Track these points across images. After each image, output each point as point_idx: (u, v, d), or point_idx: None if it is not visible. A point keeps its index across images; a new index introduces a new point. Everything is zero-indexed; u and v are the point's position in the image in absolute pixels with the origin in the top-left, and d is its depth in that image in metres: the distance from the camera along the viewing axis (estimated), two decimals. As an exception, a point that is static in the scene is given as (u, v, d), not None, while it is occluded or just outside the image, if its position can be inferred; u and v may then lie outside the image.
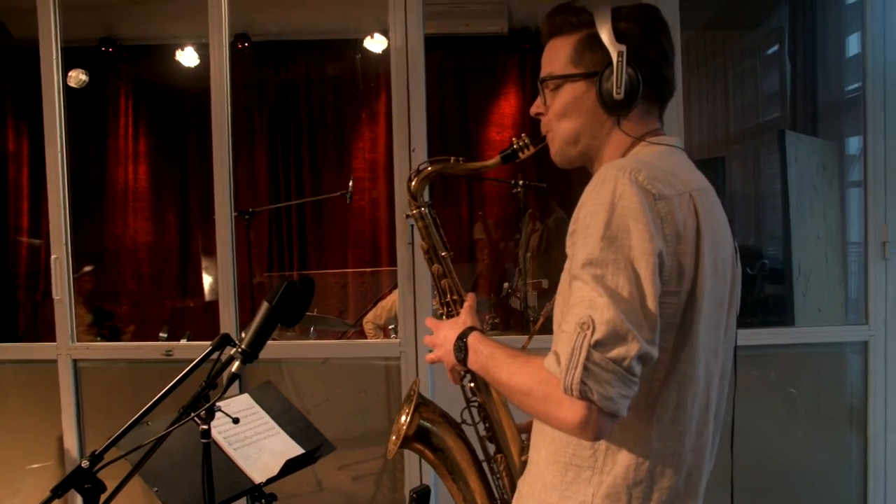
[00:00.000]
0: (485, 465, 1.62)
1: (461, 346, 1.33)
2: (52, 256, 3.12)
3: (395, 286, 3.37)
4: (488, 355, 1.27)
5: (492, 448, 1.59)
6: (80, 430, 3.12)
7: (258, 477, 2.14)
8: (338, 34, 5.12)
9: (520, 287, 4.18)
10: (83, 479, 1.51)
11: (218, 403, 2.24)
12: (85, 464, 1.51)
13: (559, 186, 4.09)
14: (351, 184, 4.07)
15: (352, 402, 3.15)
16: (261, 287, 5.06)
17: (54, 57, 3.14)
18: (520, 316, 4.17)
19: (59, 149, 3.15)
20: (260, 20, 5.10)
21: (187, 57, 4.93)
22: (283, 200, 5.41)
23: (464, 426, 1.60)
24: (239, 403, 2.37)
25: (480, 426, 1.59)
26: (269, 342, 3.20)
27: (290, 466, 2.20)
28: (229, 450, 2.17)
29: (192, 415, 1.61)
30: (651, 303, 1.08)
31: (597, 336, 1.04)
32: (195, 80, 4.41)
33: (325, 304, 4.87)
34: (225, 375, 1.53)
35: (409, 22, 2.97)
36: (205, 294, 5.08)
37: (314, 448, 2.29)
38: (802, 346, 3.01)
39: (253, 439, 2.27)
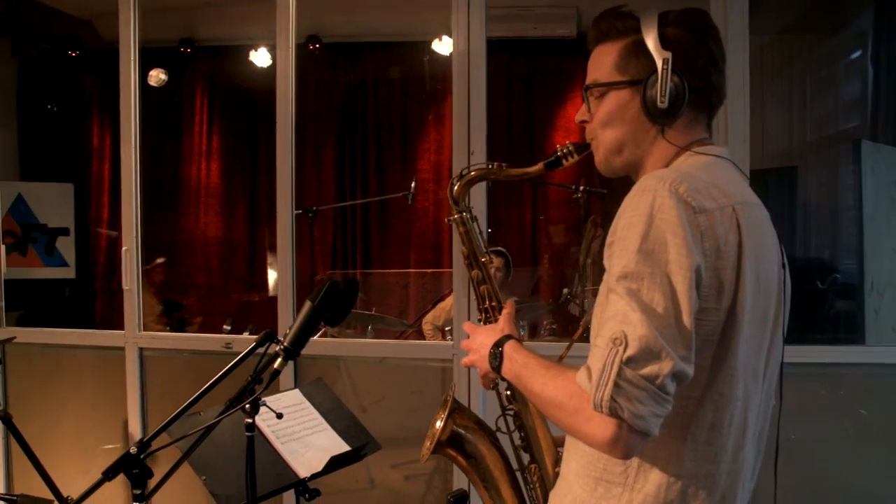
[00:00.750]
0: (518, 474, 1.60)
1: (496, 354, 1.31)
2: (123, 248, 3.25)
3: (456, 288, 3.38)
4: (522, 364, 1.25)
5: (526, 458, 1.58)
6: (143, 415, 3.25)
7: (303, 472, 2.18)
8: (407, 36, 5.17)
9: (579, 293, 4.13)
10: (131, 464, 1.57)
11: (266, 398, 2.31)
12: (133, 450, 1.57)
13: (621, 192, 4.01)
14: (413, 185, 4.10)
15: (407, 401, 3.17)
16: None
17: (132, 58, 3.26)
18: (578, 322, 4.12)
19: (133, 146, 3.27)
20: (331, 22, 5.20)
21: (260, 57, 5.07)
22: (349, 199, 5.50)
23: (499, 434, 1.59)
24: (289, 398, 2.42)
25: (515, 435, 1.57)
26: (328, 340, 3.27)
27: (335, 463, 2.23)
28: (277, 444, 2.22)
29: (237, 407, 1.65)
30: (687, 319, 1.05)
31: (629, 352, 1.02)
32: (267, 80, 4.52)
33: (385, 304, 4.94)
34: (268, 371, 1.56)
35: (471, 25, 2.97)
36: (269, 289, 5.21)
37: (360, 446, 2.31)
38: (873, 366, 2.86)
39: (300, 434, 2.31)
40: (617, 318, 1.05)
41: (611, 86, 1.28)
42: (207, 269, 5.64)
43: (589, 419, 1.06)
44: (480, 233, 1.63)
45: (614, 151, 1.31)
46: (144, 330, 3.28)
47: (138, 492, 1.57)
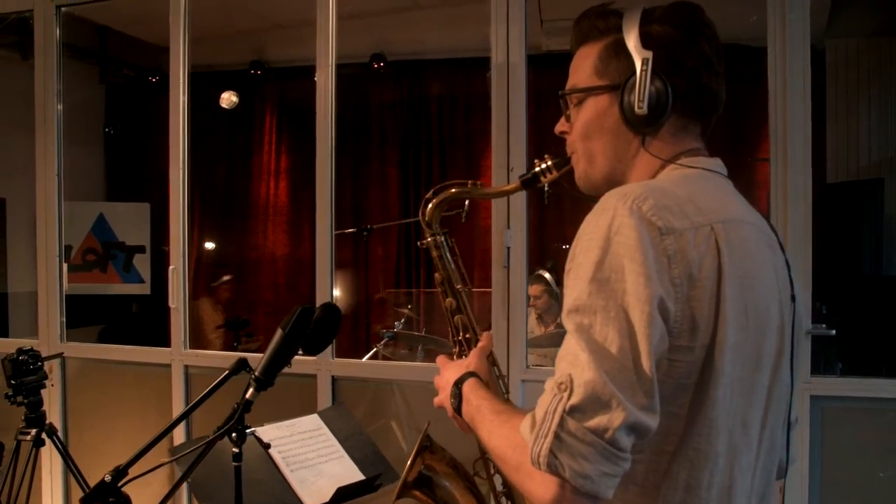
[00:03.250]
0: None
1: (455, 394, 1.19)
2: (170, 267, 3.30)
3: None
4: (476, 408, 1.12)
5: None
6: (188, 433, 3.27)
7: (310, 502, 2.10)
8: (469, 52, 5.10)
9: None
10: (106, 492, 1.53)
11: (282, 423, 2.25)
12: (108, 478, 1.53)
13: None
14: (467, 203, 4.00)
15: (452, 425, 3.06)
16: (381, 302, 5.13)
17: (181, 83, 3.32)
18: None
19: (181, 168, 3.34)
20: (394, 39, 5.21)
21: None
22: (413, 217, 5.46)
23: (477, 479, 1.46)
24: (307, 424, 2.36)
25: (497, 479, 1.43)
26: (382, 363, 3.20)
27: (345, 493, 2.15)
28: (286, 470, 2.16)
29: (221, 435, 1.59)
30: (646, 361, 0.89)
31: (573, 400, 0.87)
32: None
33: (443, 323, 4.84)
34: (241, 402, 1.49)
35: (510, 37, 2.86)
36: (330, 307, 5.22)
37: (374, 476, 2.22)
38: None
39: (314, 461, 2.24)
40: (567, 358, 0.92)
41: (588, 91, 1.14)
42: (275, 286, 5.73)
43: (530, 475, 0.92)
44: (456, 257, 1.50)
45: (593, 165, 1.16)
46: (207, 342, 3.31)
47: (114, 521, 1.52)
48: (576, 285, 0.94)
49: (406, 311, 4.67)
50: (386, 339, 4.01)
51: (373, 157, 5.59)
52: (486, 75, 5.30)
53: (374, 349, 3.92)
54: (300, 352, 1.55)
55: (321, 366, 3.09)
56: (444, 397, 1.25)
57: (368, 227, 4.18)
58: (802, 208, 2.52)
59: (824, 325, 2.53)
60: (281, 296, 5.67)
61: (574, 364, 0.90)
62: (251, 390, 1.49)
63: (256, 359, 1.65)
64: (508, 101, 2.85)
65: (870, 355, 3.54)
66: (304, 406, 3.11)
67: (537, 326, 3.94)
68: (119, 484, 1.55)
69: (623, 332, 0.89)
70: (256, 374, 1.47)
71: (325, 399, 3.08)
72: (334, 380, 3.09)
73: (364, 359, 3.42)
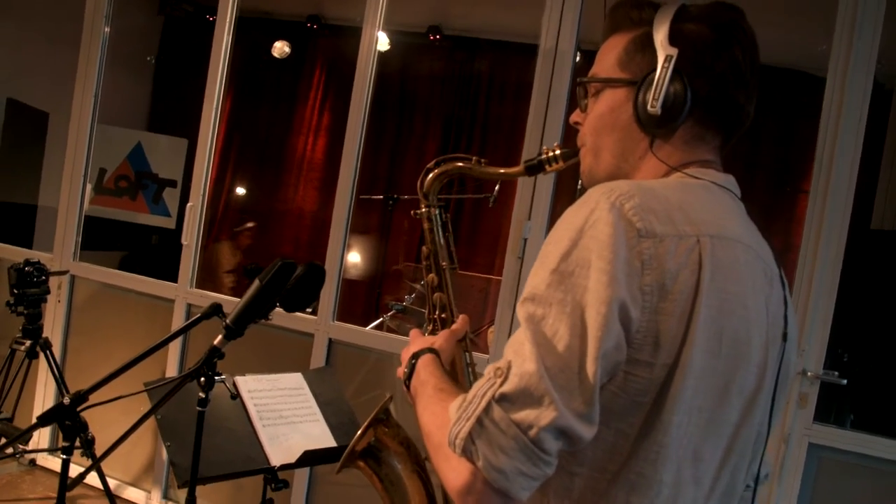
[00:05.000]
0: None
1: (410, 364, 1.13)
2: (189, 204, 3.29)
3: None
4: (422, 382, 1.07)
5: (454, 503, 1.38)
6: (181, 368, 3.28)
7: (276, 459, 2.07)
8: (526, 38, 4.98)
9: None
10: (63, 415, 1.51)
11: (265, 376, 2.23)
12: (66, 401, 1.51)
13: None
14: (497, 187, 3.92)
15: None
16: (397, 274, 5.08)
17: (227, 23, 3.30)
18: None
19: (214, 105, 3.32)
20: (454, 13, 5.12)
21: (379, 41, 5.06)
22: (446, 195, 5.39)
23: (429, 465, 1.40)
24: (289, 381, 2.33)
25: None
26: (384, 334, 3.17)
27: (312, 458, 2.11)
28: (257, 424, 2.13)
29: (188, 379, 1.56)
30: (591, 366, 0.82)
31: (505, 388, 0.82)
32: (382, 64, 4.53)
33: (460, 307, 4.77)
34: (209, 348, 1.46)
35: (563, 22, 2.77)
36: (345, 270, 5.20)
37: (345, 445, 2.18)
38: None
39: (289, 419, 2.21)
40: (513, 346, 0.86)
41: (606, 82, 1.06)
42: (296, 241, 5.72)
43: (447, 458, 0.87)
44: (448, 234, 1.44)
45: (599, 162, 1.08)
46: (219, 284, 3.30)
47: (67, 444, 1.51)
48: (537, 273, 0.88)
49: (419, 286, 4.62)
50: (394, 311, 3.97)
51: (415, 128, 5.52)
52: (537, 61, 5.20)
53: (381, 319, 3.88)
54: (278, 307, 1.51)
55: (320, 326, 3.06)
56: (401, 369, 1.19)
57: (396, 196, 4.12)
58: (835, 247, 2.40)
59: (836, 373, 2.41)
60: (300, 251, 5.65)
61: (517, 353, 0.84)
62: (220, 337, 1.45)
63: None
64: (550, 88, 2.77)
65: (885, 412, 3.40)
66: (296, 363, 3.09)
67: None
68: (78, 408, 1.53)
69: (575, 330, 0.83)
70: (227, 321, 1.43)
71: (318, 360, 3.06)
72: (331, 342, 3.06)
73: (368, 327, 3.38)
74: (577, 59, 2.81)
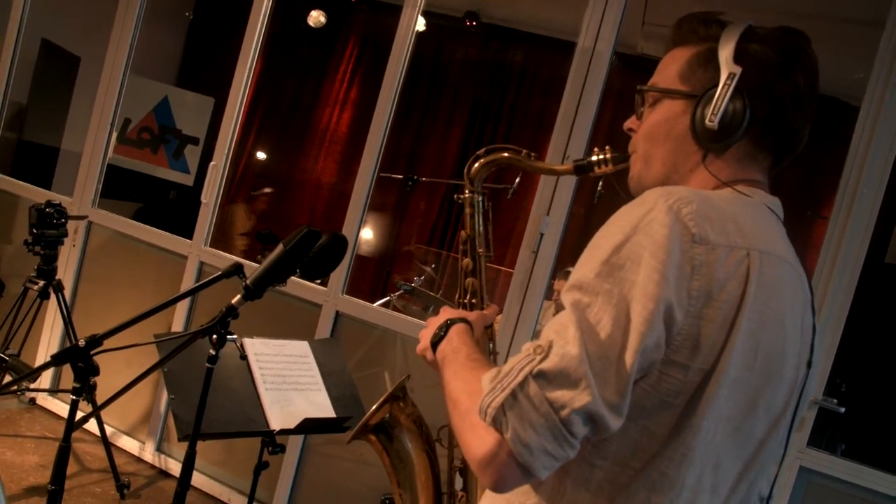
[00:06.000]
0: (445, 498, 1.43)
1: (444, 327, 1.15)
2: (211, 163, 3.31)
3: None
4: (454, 349, 1.09)
5: (460, 483, 1.41)
6: (187, 325, 3.32)
7: (276, 424, 2.11)
8: (563, 34, 4.98)
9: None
10: (77, 356, 1.54)
11: (268, 340, 2.26)
12: (82, 343, 1.54)
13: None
14: (517, 180, 3.93)
15: (428, 394, 3.04)
16: (408, 255, 5.10)
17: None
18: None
19: (248, 66, 3.32)
20: (493, 2, 5.10)
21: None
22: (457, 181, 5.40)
23: (438, 447, 1.43)
24: (295, 349, 2.36)
25: (458, 452, 1.40)
26: (390, 312, 3.20)
27: (311, 426, 2.15)
28: (261, 387, 2.16)
29: (201, 335, 1.59)
30: (630, 358, 0.84)
31: (544, 365, 0.83)
32: (416, 44, 4.54)
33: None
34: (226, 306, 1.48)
35: (604, 22, 2.76)
36: (356, 245, 5.23)
37: (344, 417, 2.22)
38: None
39: (292, 386, 2.25)
40: (554, 327, 0.87)
41: (666, 93, 1.08)
42: (312, 211, 5.74)
43: (473, 427, 0.88)
44: (487, 221, 1.46)
45: (649, 169, 1.10)
46: (231, 246, 3.32)
47: (78, 385, 1.54)
48: (586, 262, 0.90)
49: (429, 269, 4.64)
50: (402, 291, 3.99)
51: (441, 111, 5.52)
52: (572, 58, 5.20)
53: (388, 298, 3.91)
54: (298, 274, 1.53)
55: (329, 298, 3.09)
56: (427, 331, 1.21)
57: (416, 177, 4.13)
58: (849, 277, 2.40)
59: (835, 401, 2.42)
60: (315, 222, 5.68)
61: (560, 333, 0.86)
62: (238, 297, 1.48)
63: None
64: (583, 87, 2.77)
65: (876, 445, 3.41)
66: (302, 332, 3.12)
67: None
68: (92, 352, 1.56)
69: (618, 322, 0.85)
70: (247, 282, 1.46)
71: (324, 331, 3.09)
72: (338, 315, 3.09)
73: (375, 304, 3.41)
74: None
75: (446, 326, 1.15)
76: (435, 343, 1.14)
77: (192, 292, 1.53)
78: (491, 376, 0.89)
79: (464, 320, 1.17)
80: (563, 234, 2.80)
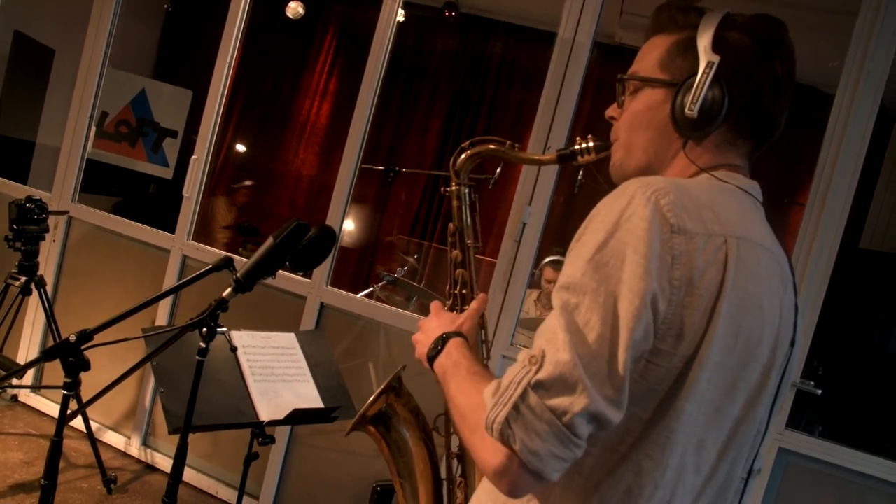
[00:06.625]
0: (445, 485, 1.46)
1: (439, 342, 1.18)
2: (193, 157, 3.29)
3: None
4: (454, 363, 1.12)
5: (458, 468, 1.44)
6: (171, 319, 3.31)
7: (265, 415, 2.12)
8: (542, 24, 5.00)
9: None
10: (68, 351, 1.54)
11: (254, 332, 2.26)
12: (73, 338, 1.54)
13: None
14: (498, 170, 3.95)
15: (422, 382, 3.07)
16: (389, 246, 5.11)
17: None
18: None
19: (228, 59, 3.31)
20: (472, -9, 5.11)
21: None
22: (447, 171, 5.39)
23: (436, 435, 1.46)
24: (282, 340, 2.37)
25: (454, 440, 1.43)
26: (374, 303, 3.21)
27: (300, 417, 2.17)
28: (249, 379, 2.18)
29: (190, 328, 1.60)
30: (622, 355, 0.87)
31: (540, 376, 0.86)
32: (397, 36, 4.53)
33: (444, 283, 4.81)
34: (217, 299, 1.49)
35: (584, 13, 2.79)
36: (340, 237, 5.24)
37: (332, 408, 2.24)
38: None
39: (280, 377, 2.26)
40: (545, 335, 0.90)
41: (647, 82, 1.09)
42: (292, 203, 5.73)
43: (483, 441, 0.91)
44: (475, 213, 1.48)
45: (630, 157, 1.12)
46: (213, 239, 3.30)
47: (69, 381, 1.54)
48: (573, 263, 0.92)
49: (411, 260, 4.66)
50: (385, 282, 4.00)
51: (421, 103, 5.52)
52: (551, 49, 5.23)
53: (371, 289, 3.92)
54: (287, 266, 1.54)
55: (313, 289, 3.10)
56: (422, 339, 1.24)
57: (397, 168, 4.14)
58: (825, 262, 2.46)
59: (812, 383, 2.49)
60: (296, 214, 5.67)
61: (550, 341, 0.88)
62: (229, 290, 1.49)
63: (241, 262, 1.65)
64: (564, 78, 2.80)
65: (852, 426, 3.50)
66: (286, 324, 3.13)
67: (534, 308, 3.92)
68: (83, 347, 1.56)
69: (607, 320, 0.87)
70: (238, 275, 1.47)
71: (309, 322, 3.10)
72: (322, 306, 3.10)
73: (359, 295, 3.42)
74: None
75: (443, 341, 1.17)
76: (432, 357, 1.17)
77: (185, 284, 1.54)
78: (492, 391, 0.91)
79: (458, 334, 1.19)
80: (545, 223, 2.83)
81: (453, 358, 1.13)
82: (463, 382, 1.05)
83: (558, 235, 4.39)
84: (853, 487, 2.47)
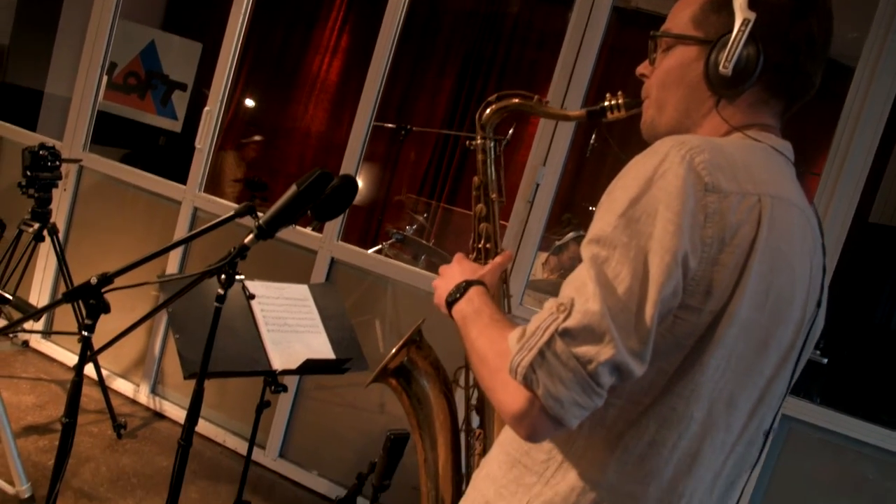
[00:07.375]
0: (462, 436, 1.49)
1: (460, 288, 1.18)
2: (206, 108, 3.28)
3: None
4: (475, 309, 1.12)
5: (476, 420, 1.46)
6: (181, 268, 3.33)
7: (278, 364, 2.15)
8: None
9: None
10: (88, 293, 1.56)
11: (267, 283, 2.28)
12: (94, 280, 1.56)
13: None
14: (510, 132, 3.93)
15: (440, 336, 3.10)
16: (399, 204, 5.11)
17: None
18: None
19: (242, 11, 3.27)
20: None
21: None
22: (456, 131, 5.35)
23: (457, 388, 1.48)
24: (294, 291, 2.39)
25: (473, 393, 1.45)
26: (384, 258, 3.22)
27: (312, 367, 2.20)
28: (263, 328, 2.20)
29: (209, 274, 1.61)
30: (650, 309, 0.87)
31: (568, 323, 0.87)
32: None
33: (453, 242, 4.82)
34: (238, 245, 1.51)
35: (604, -25, 2.75)
36: (349, 196, 5.23)
37: (344, 359, 2.27)
38: None
39: (293, 328, 2.29)
40: (574, 284, 0.91)
41: (680, 38, 1.08)
42: (301, 159, 5.71)
43: (504, 385, 0.92)
44: (500, 167, 1.48)
45: (662, 115, 1.12)
46: (221, 193, 3.29)
47: (89, 322, 1.56)
48: (604, 217, 0.92)
49: (420, 218, 4.67)
50: (393, 240, 4.02)
51: (433, 62, 5.46)
52: (567, 15, 5.15)
53: (380, 246, 3.93)
54: (309, 215, 1.55)
55: (324, 244, 3.11)
56: (442, 284, 1.24)
57: (409, 126, 4.12)
58: (837, 233, 2.47)
59: (818, 352, 2.51)
60: (305, 170, 5.59)
61: (579, 291, 0.89)
62: (251, 236, 1.50)
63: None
64: (582, 40, 2.77)
65: (851, 397, 3.54)
66: (297, 277, 3.15)
67: (541, 270, 3.94)
68: (103, 290, 1.58)
69: (637, 274, 0.88)
70: (260, 222, 1.48)
71: (319, 276, 3.12)
72: (333, 261, 3.12)
73: (369, 251, 3.44)
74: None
75: (465, 287, 1.17)
76: (451, 302, 1.17)
77: (210, 228, 1.55)
78: (517, 336, 0.92)
79: (480, 282, 1.20)
80: (558, 185, 2.83)
81: (475, 304, 1.13)
82: (486, 328, 1.06)
83: (568, 201, 4.39)
84: (850, 455, 2.51)
